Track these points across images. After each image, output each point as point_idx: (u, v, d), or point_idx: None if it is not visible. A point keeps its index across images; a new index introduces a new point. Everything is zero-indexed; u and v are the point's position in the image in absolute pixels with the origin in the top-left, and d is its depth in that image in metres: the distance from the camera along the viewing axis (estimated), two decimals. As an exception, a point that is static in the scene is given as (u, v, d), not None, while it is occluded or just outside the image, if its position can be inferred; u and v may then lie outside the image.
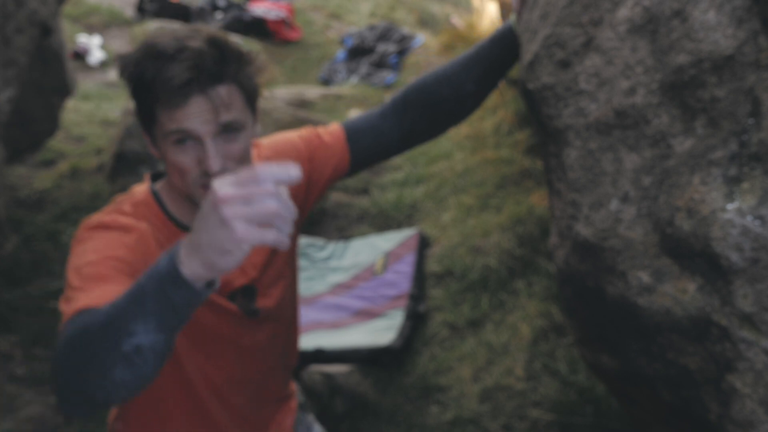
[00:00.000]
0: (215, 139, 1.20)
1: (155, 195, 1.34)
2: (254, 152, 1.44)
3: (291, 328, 1.59)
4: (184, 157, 1.21)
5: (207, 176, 1.21)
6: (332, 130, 1.51)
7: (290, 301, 1.55)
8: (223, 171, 1.21)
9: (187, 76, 1.16)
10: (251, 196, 0.87)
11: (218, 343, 1.39)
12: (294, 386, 1.67)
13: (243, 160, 1.25)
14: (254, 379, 1.48)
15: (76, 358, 0.96)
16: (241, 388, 1.46)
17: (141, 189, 1.36)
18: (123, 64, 1.22)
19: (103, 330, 0.95)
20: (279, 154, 1.45)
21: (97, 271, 1.12)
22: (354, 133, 1.50)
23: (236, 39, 7.04)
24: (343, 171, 1.51)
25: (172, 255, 0.93)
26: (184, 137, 1.20)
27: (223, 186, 0.87)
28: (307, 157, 1.47)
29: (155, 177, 1.40)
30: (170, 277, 0.93)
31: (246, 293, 1.41)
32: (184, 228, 1.32)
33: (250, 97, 1.26)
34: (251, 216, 0.87)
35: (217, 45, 1.20)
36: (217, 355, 1.40)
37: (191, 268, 0.92)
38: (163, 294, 0.93)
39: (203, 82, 1.17)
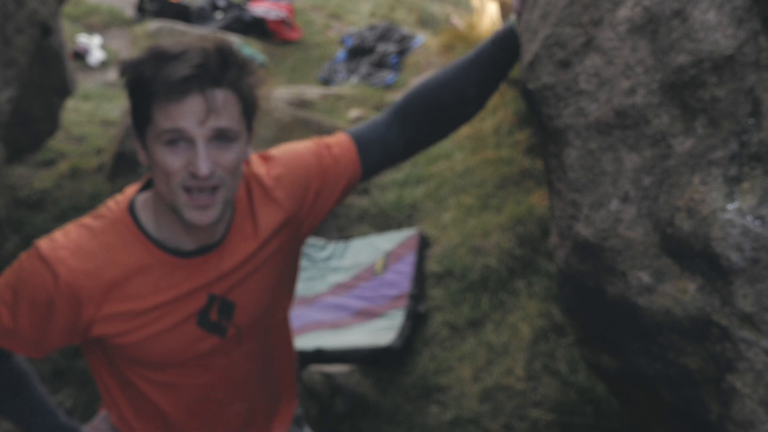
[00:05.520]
0: (208, 143, 1.19)
1: (132, 210, 1.31)
2: (264, 167, 1.41)
3: (279, 341, 1.55)
4: (173, 159, 1.19)
5: (194, 179, 1.19)
6: (341, 143, 1.46)
7: (276, 318, 1.50)
8: (212, 176, 1.20)
9: (187, 73, 1.16)
10: None
11: (184, 368, 1.38)
12: (295, 395, 1.64)
13: (234, 172, 1.24)
14: (229, 398, 1.46)
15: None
16: (217, 408, 1.45)
17: (124, 198, 1.34)
18: (124, 66, 1.22)
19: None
20: (290, 173, 1.42)
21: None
22: (363, 145, 1.46)
23: (236, 39, 6.97)
24: (355, 184, 1.49)
25: None
26: (177, 138, 1.19)
27: None
28: (319, 174, 1.43)
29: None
30: None
31: (223, 309, 1.36)
32: (161, 245, 1.30)
33: (248, 108, 1.25)
34: None
35: (221, 51, 1.20)
36: (187, 377, 1.40)
37: None
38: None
39: (203, 81, 1.17)
